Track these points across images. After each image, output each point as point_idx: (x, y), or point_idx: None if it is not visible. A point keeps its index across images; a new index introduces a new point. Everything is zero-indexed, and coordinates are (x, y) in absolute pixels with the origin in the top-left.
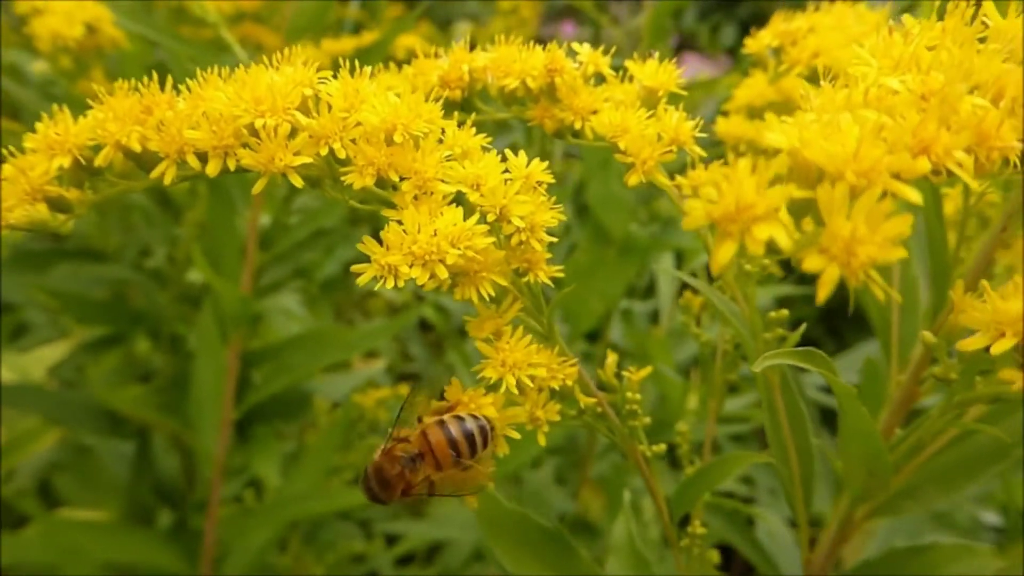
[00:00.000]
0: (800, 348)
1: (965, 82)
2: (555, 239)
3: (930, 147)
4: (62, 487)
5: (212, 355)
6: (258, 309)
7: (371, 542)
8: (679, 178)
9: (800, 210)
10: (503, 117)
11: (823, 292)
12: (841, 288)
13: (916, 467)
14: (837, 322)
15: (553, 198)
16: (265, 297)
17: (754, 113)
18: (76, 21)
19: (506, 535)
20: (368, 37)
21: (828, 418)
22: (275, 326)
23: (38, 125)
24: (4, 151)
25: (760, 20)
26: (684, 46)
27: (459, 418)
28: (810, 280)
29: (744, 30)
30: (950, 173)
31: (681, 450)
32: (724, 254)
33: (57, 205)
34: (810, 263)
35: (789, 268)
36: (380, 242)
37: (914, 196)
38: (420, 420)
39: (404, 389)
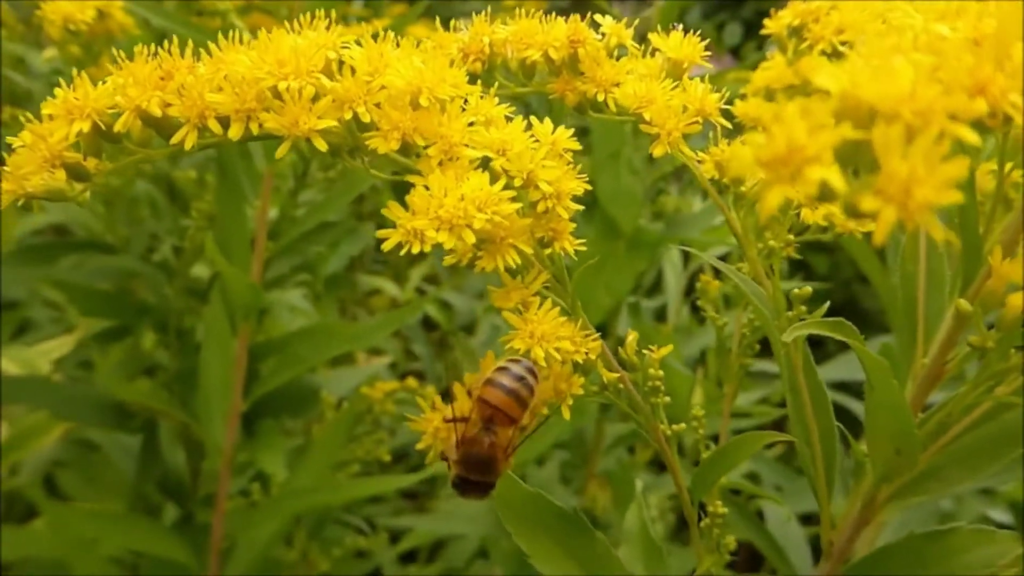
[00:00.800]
0: (827, 319)
1: (1018, 28)
2: (581, 208)
3: (986, 88)
4: (66, 483)
5: (221, 345)
6: (266, 302)
7: (375, 537)
8: (701, 153)
9: (846, 158)
10: (524, 92)
11: (881, 234)
12: (845, 286)
13: (940, 448)
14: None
15: (579, 167)
16: (271, 291)
17: (772, 96)
18: (88, 6)
19: (522, 517)
20: (378, 24)
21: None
22: (281, 321)
23: (57, 91)
24: (9, 139)
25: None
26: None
27: (502, 368)
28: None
29: (748, 30)
30: (1006, 118)
31: (696, 435)
32: (774, 198)
33: (75, 173)
34: (867, 204)
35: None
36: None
37: (972, 137)
38: (469, 394)
39: (412, 382)
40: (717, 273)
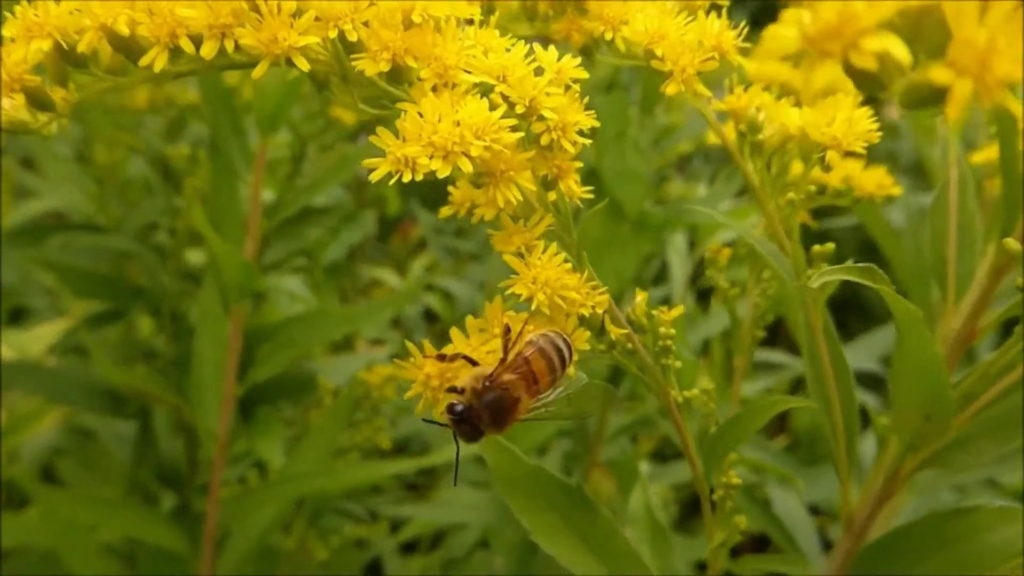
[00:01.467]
0: (856, 265)
1: None
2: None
3: None
4: (65, 472)
5: (214, 327)
6: (261, 286)
7: (375, 526)
8: (716, 102)
9: (906, 36)
10: (527, 33)
11: (954, 110)
12: (846, 281)
13: (968, 417)
14: (844, 314)
15: (587, 98)
16: (269, 275)
17: (787, 59)
18: None
19: (524, 493)
20: None
21: None
22: (279, 308)
23: (16, 8)
24: None
25: (770, 12)
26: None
27: (547, 336)
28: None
29: (755, 23)
30: None
31: (707, 409)
32: (822, 77)
33: (38, 101)
34: (939, 75)
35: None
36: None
37: None
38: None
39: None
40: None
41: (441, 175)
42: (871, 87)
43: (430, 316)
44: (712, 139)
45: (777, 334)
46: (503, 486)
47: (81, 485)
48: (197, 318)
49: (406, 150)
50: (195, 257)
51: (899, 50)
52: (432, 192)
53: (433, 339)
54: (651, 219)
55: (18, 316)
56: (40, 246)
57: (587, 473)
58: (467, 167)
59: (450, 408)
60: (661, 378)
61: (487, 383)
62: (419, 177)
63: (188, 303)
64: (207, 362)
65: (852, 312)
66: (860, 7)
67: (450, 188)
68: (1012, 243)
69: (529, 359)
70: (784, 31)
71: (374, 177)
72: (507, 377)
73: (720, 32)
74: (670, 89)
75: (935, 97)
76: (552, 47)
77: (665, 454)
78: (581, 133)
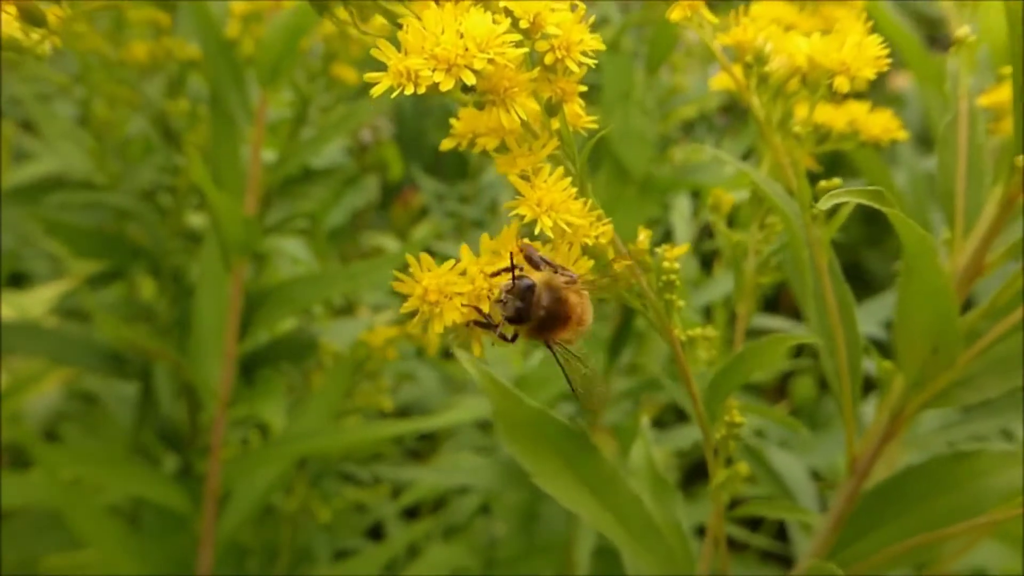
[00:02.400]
0: (864, 188)
1: None
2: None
3: None
4: (68, 435)
5: (215, 284)
6: (263, 248)
7: (376, 489)
8: (722, 36)
9: None
10: None
11: (879, 127)
12: (851, 250)
13: (974, 355)
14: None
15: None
16: (271, 236)
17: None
18: None
19: (525, 434)
20: None
21: None
22: (281, 270)
23: None
24: None
25: None
26: None
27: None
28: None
29: None
30: None
31: (709, 354)
32: None
33: (31, 16)
34: None
35: None
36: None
37: None
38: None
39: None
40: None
41: (444, 88)
42: None
43: None
44: (718, 86)
45: (778, 302)
46: (506, 430)
47: (83, 447)
48: (198, 277)
49: (408, 62)
50: (196, 220)
51: None
52: (434, 158)
53: None
54: (656, 181)
55: (18, 280)
56: (38, 205)
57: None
58: (470, 79)
59: (519, 278)
60: (664, 315)
61: (565, 281)
62: (421, 90)
63: (189, 262)
64: (208, 321)
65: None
66: None
67: (451, 120)
68: (1022, 160)
69: (584, 299)
70: None
71: (376, 92)
72: (573, 297)
73: None
74: (675, 14)
75: None
76: None
77: (665, 421)
78: (586, 55)
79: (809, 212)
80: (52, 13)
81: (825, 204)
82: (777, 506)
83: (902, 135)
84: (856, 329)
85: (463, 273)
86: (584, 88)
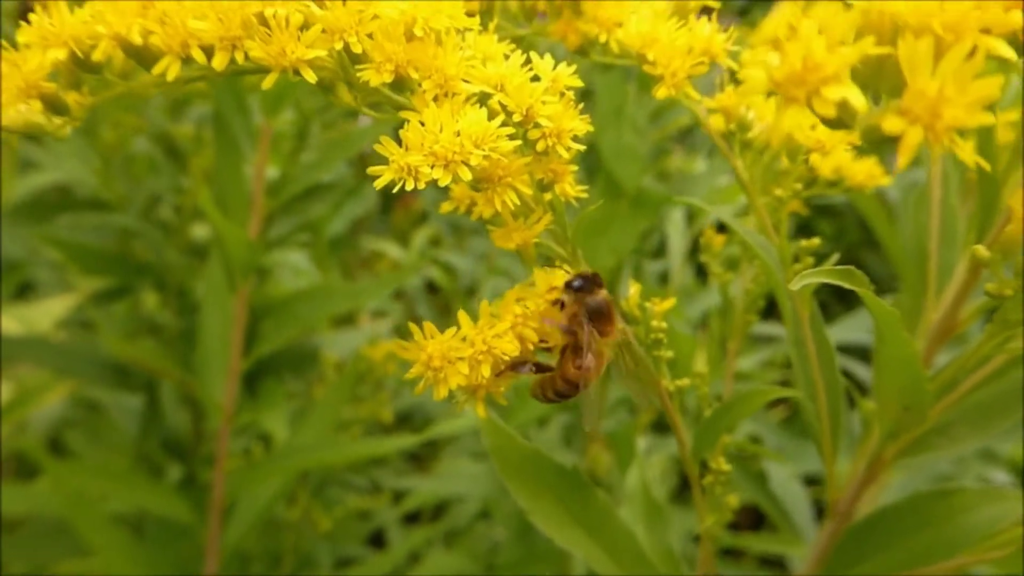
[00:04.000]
0: (836, 267)
1: None
2: (583, 148)
3: None
4: (73, 443)
5: (219, 303)
6: (266, 261)
7: (378, 498)
8: (706, 100)
9: (867, 80)
10: (523, 33)
11: (904, 158)
12: (850, 250)
13: (949, 405)
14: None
15: (581, 105)
16: (273, 251)
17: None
18: None
19: (521, 473)
20: None
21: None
22: (283, 282)
23: (32, 16)
24: None
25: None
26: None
27: None
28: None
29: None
30: None
31: (700, 392)
32: (788, 120)
33: (53, 106)
34: (890, 124)
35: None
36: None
37: (1007, 52)
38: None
39: None
40: (721, 229)
41: (442, 183)
42: (835, 126)
43: (432, 288)
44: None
45: (774, 307)
46: (501, 467)
47: (89, 457)
48: (203, 294)
49: (409, 159)
50: (200, 231)
51: (857, 99)
52: None
53: (435, 310)
54: (649, 195)
55: (25, 290)
56: (47, 223)
57: (586, 446)
58: (467, 175)
59: (582, 274)
60: (653, 369)
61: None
62: (421, 186)
63: (193, 278)
64: (213, 336)
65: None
66: (822, 55)
67: (450, 184)
68: (980, 250)
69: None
70: (754, 73)
71: (379, 184)
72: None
73: (710, 36)
74: (660, 93)
75: (893, 139)
76: (548, 55)
77: (664, 425)
78: (576, 139)
79: (790, 269)
80: (74, 100)
81: (796, 286)
82: (765, 539)
83: (886, 181)
84: (836, 376)
85: (464, 339)
86: (575, 168)
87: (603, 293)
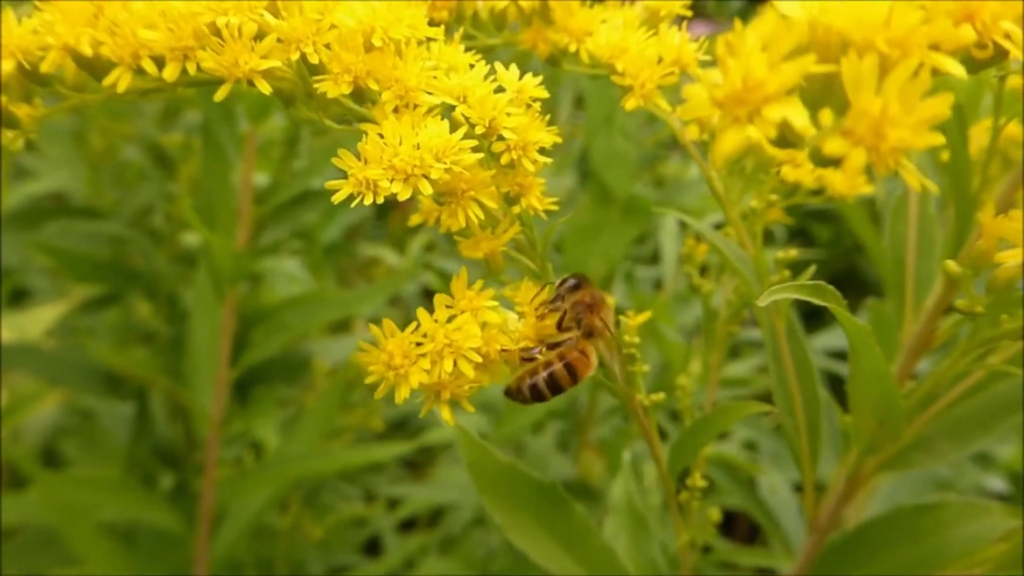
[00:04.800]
0: (807, 283)
1: None
2: (549, 161)
3: (975, 14)
4: (67, 450)
5: (207, 313)
6: (257, 269)
7: (373, 505)
8: (679, 108)
9: (815, 99)
10: (494, 43)
11: (847, 182)
12: (847, 255)
13: (928, 419)
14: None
15: (548, 116)
16: (265, 258)
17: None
18: None
19: (497, 488)
20: None
21: (834, 386)
22: (277, 289)
23: None
24: None
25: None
26: (692, 12)
27: None
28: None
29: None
30: (997, 48)
31: (682, 404)
32: (728, 142)
33: (3, 119)
34: (832, 146)
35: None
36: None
37: (957, 69)
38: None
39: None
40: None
41: (402, 198)
42: (781, 146)
43: (428, 294)
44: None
45: None
46: (479, 482)
47: (82, 464)
48: (191, 304)
49: (367, 172)
50: (191, 238)
51: (799, 119)
52: None
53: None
54: (640, 202)
55: (19, 296)
56: (39, 231)
57: (578, 452)
58: (427, 189)
59: (574, 275)
60: (627, 385)
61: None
62: (380, 200)
63: (183, 286)
64: (201, 346)
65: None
66: (763, 72)
67: (419, 197)
68: (951, 265)
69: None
70: (695, 92)
71: (336, 199)
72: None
73: (680, 45)
74: (629, 104)
75: (839, 160)
76: (513, 65)
77: (660, 431)
78: (543, 151)
79: (767, 280)
80: (25, 114)
81: (764, 301)
82: (753, 553)
83: (869, 190)
84: (816, 390)
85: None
86: (542, 181)
87: (594, 289)
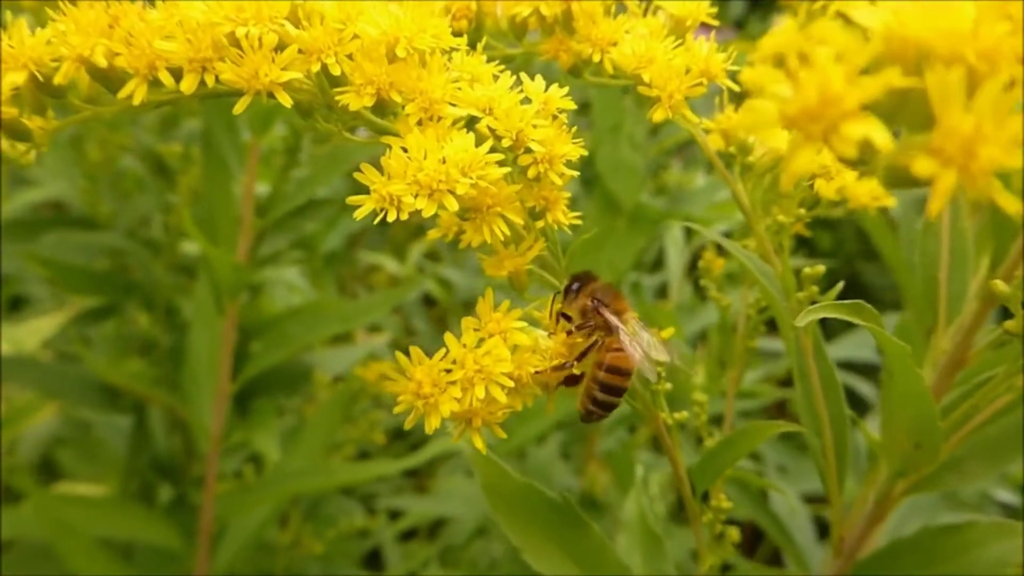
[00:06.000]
0: (845, 302)
1: None
2: (576, 174)
3: None
4: (64, 461)
5: (207, 326)
6: (257, 279)
7: (374, 517)
8: (706, 121)
9: (890, 114)
10: (514, 53)
11: (938, 203)
12: (849, 262)
13: (961, 439)
14: (844, 297)
15: (574, 128)
16: (265, 268)
17: (782, 63)
18: None
19: (512, 508)
20: None
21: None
22: (277, 298)
23: None
24: None
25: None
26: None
27: None
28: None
29: (753, 1)
30: None
31: (698, 420)
32: (803, 160)
33: (15, 132)
34: (921, 167)
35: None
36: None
37: None
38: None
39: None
40: (720, 250)
41: (427, 214)
42: (852, 164)
43: (428, 300)
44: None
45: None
46: (493, 502)
47: (81, 474)
48: (191, 316)
49: (391, 188)
50: (191, 247)
51: (880, 136)
52: None
53: (432, 323)
54: (647, 212)
55: (18, 304)
56: (35, 241)
57: (584, 465)
58: (453, 205)
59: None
60: (651, 403)
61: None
62: (404, 216)
63: (183, 297)
64: (201, 359)
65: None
66: (841, 86)
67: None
68: (999, 285)
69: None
70: (762, 107)
71: (359, 215)
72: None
73: (708, 56)
74: (657, 116)
75: (918, 180)
76: (539, 76)
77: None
78: (569, 164)
79: (794, 297)
80: (36, 126)
81: (803, 321)
82: (768, 572)
83: (890, 202)
84: (842, 408)
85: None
86: (568, 195)
87: (598, 283)
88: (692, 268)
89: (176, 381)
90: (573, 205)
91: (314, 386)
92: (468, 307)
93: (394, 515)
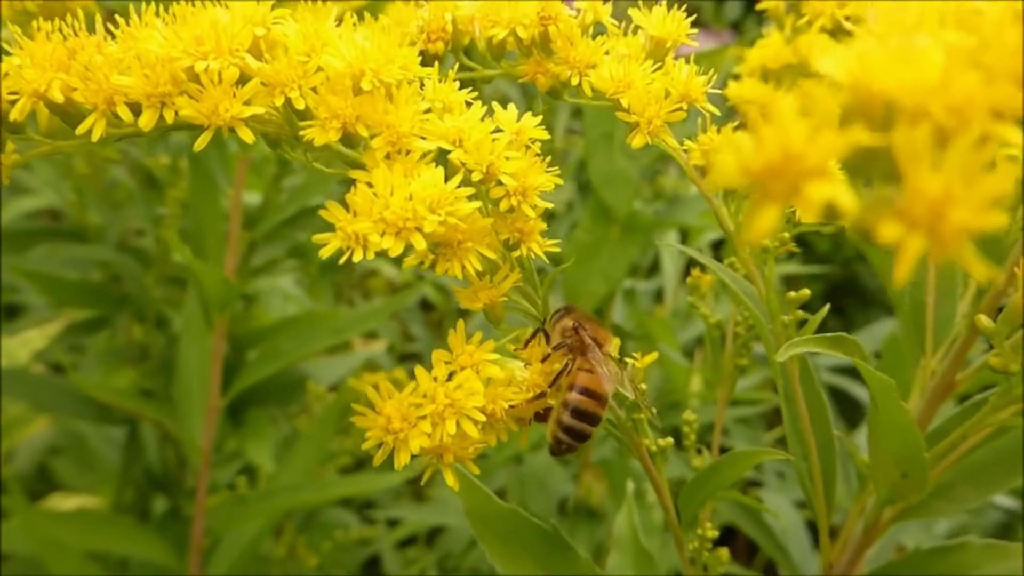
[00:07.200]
0: (827, 335)
1: None
2: (551, 206)
3: None
4: (60, 471)
5: (197, 340)
6: (248, 290)
7: (371, 526)
8: (688, 142)
9: (858, 167)
10: (491, 74)
11: (904, 270)
12: (847, 264)
13: (949, 465)
14: (842, 300)
15: (548, 158)
16: (258, 278)
17: (768, 76)
18: None
19: (497, 533)
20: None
21: (839, 401)
22: (271, 307)
23: None
24: None
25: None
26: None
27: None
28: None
29: (749, 4)
30: None
31: (688, 440)
32: (765, 221)
33: None
34: (887, 232)
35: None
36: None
37: (1020, 139)
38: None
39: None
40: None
41: (393, 254)
42: (819, 218)
43: (426, 305)
44: None
45: None
46: (478, 528)
47: (76, 484)
48: (180, 330)
49: (356, 226)
50: (179, 256)
51: (846, 200)
52: None
53: (428, 328)
54: (640, 220)
55: (15, 313)
56: (28, 251)
57: (579, 472)
58: (420, 244)
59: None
60: (633, 432)
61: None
62: (370, 256)
63: (174, 309)
64: (191, 374)
65: (850, 297)
66: (801, 143)
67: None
68: (983, 321)
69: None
70: (724, 160)
71: (324, 253)
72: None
73: (688, 80)
74: (636, 142)
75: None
76: (512, 105)
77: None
78: (544, 196)
79: (779, 322)
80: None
81: (783, 356)
82: None
83: None
84: (830, 433)
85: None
86: (543, 226)
87: (581, 311)
88: (688, 273)
89: (169, 393)
90: (569, 210)
91: (309, 396)
92: (464, 312)
93: (392, 522)
